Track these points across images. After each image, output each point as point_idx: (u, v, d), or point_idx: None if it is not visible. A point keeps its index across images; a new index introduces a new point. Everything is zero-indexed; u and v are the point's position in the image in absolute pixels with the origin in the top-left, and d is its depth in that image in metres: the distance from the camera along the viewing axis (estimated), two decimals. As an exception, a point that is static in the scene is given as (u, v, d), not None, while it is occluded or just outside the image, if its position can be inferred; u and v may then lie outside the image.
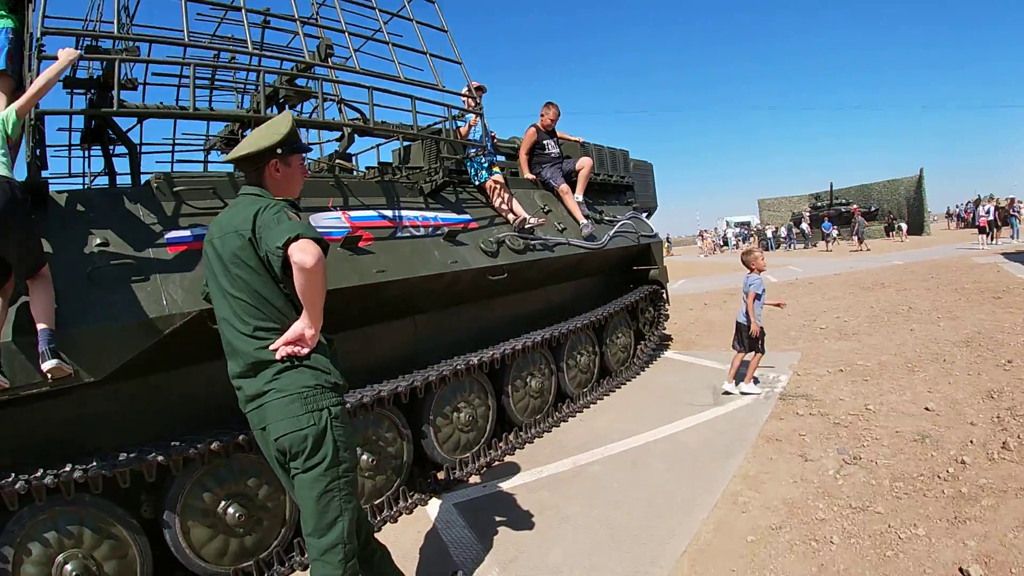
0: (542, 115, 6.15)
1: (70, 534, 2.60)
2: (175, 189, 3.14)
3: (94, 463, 2.61)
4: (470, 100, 4.88)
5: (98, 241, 2.76)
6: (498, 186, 5.09)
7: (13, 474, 2.46)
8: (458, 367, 4.13)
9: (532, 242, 5.06)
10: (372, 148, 5.75)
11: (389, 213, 4.06)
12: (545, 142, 6.14)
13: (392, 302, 4.00)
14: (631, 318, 6.88)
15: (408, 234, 4.09)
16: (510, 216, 5.06)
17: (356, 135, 5.45)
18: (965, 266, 13.58)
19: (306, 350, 2.03)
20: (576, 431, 4.94)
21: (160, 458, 2.73)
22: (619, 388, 6.09)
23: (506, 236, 4.81)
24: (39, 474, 2.48)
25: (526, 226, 5.04)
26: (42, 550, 2.52)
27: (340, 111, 4.12)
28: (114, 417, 2.95)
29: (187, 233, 3.02)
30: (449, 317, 4.72)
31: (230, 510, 2.98)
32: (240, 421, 2.83)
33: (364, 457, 3.55)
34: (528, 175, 6.05)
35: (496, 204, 5.07)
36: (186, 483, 2.88)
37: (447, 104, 4.38)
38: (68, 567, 2.54)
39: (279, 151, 2.14)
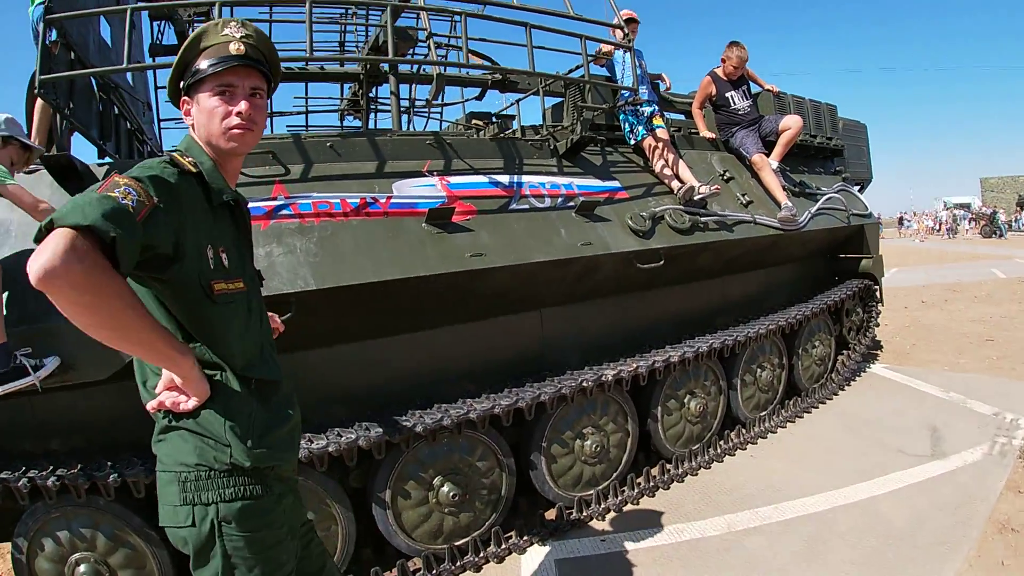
0: (723, 59, 4.77)
1: (83, 536, 2.31)
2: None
3: (107, 468, 2.23)
4: (618, 31, 3.77)
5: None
6: (660, 145, 3.96)
7: (23, 467, 2.19)
8: (585, 383, 3.17)
9: (703, 219, 3.87)
10: (512, 104, 4.94)
11: (504, 179, 3.21)
12: (728, 95, 4.77)
13: (502, 294, 3.16)
14: (833, 321, 5.26)
15: (527, 206, 3.20)
16: (674, 184, 3.91)
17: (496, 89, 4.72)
18: None
19: (191, 403, 1.26)
20: (741, 473, 3.72)
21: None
22: (807, 413, 4.61)
23: (667, 210, 3.70)
24: (44, 473, 2.15)
25: (695, 197, 3.86)
26: (55, 547, 2.29)
27: (430, 49, 3.33)
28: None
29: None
30: (586, 313, 3.71)
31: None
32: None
33: (444, 489, 2.81)
34: (706, 134, 4.78)
35: (656, 168, 3.96)
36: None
37: (580, 35, 3.31)
38: (81, 568, 2.30)
39: (181, 84, 1.40)
